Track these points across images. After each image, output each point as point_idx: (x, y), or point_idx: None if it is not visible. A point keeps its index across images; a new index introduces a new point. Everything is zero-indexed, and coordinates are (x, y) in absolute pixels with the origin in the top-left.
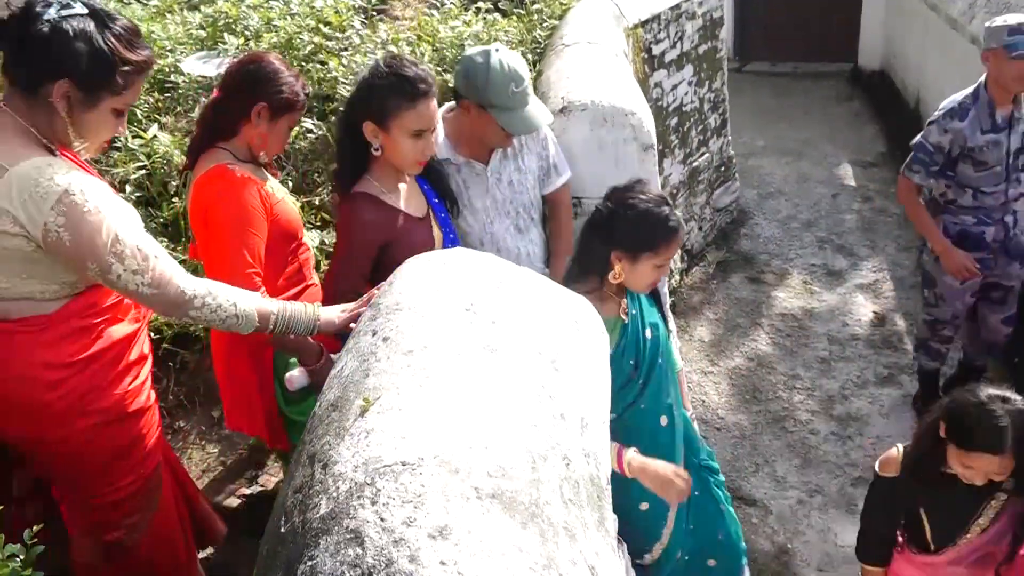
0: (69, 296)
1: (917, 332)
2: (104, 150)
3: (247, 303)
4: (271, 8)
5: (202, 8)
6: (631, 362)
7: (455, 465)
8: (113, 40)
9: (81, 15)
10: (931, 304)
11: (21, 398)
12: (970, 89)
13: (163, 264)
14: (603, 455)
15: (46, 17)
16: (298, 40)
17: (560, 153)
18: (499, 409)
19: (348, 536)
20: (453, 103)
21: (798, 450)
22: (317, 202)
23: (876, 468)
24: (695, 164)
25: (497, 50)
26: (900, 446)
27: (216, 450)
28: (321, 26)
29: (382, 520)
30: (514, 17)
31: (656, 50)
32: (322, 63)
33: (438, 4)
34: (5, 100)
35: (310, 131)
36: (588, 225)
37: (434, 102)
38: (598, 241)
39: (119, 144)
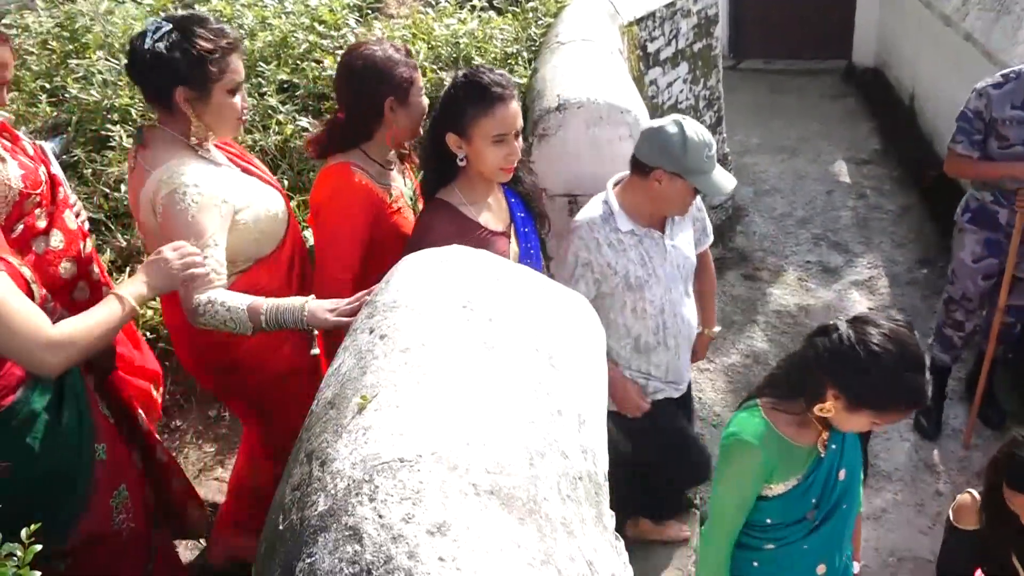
0: (234, 274)
1: (936, 317)
2: (240, 128)
3: (235, 301)
4: (265, 6)
5: (196, 7)
6: (812, 501)
7: (453, 462)
8: (199, 41)
9: (168, 31)
10: (949, 281)
11: (222, 357)
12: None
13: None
14: (600, 451)
15: (145, 47)
16: (293, 39)
17: (706, 213)
18: (497, 406)
19: (347, 533)
20: (622, 175)
21: None
22: None
23: (951, 518)
24: None
25: (684, 120)
26: (974, 493)
27: (212, 449)
28: (316, 24)
29: (380, 517)
30: (509, 15)
31: (651, 48)
32: (317, 61)
33: (433, 2)
34: (160, 121)
35: (305, 130)
36: (815, 349)
37: (514, 104)
38: (818, 368)
39: (113, 143)
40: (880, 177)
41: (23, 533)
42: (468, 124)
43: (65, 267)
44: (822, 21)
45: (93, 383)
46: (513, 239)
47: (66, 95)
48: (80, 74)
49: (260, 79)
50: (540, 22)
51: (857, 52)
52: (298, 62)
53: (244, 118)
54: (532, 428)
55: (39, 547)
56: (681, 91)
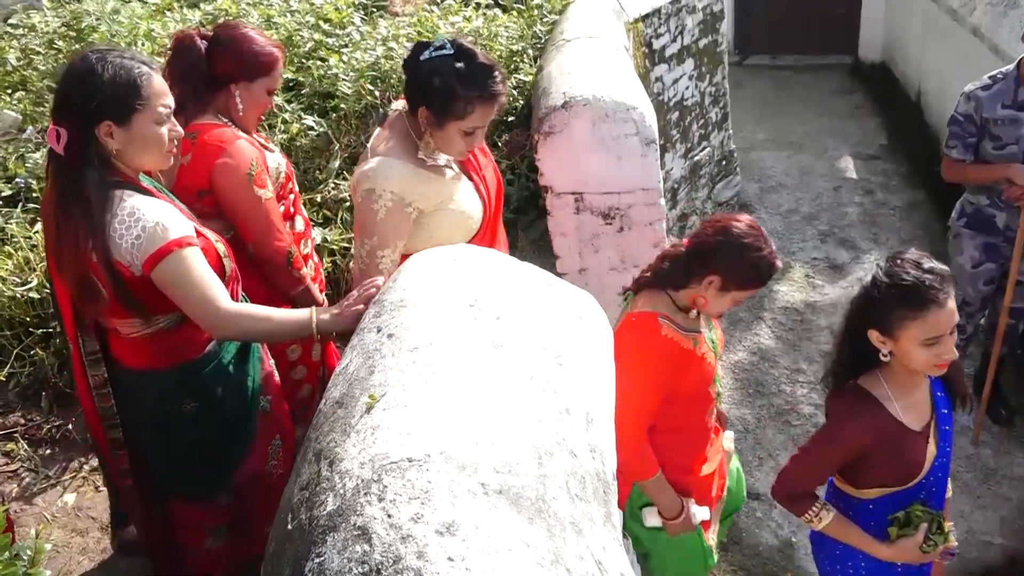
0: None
1: None
2: (464, 156)
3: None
4: (271, 5)
5: (202, 6)
6: None
7: (461, 461)
8: (454, 79)
9: (444, 55)
10: None
11: None
12: (1011, 66)
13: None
14: (608, 450)
15: (422, 57)
16: (298, 37)
17: None
18: (505, 405)
19: (355, 533)
20: None
21: (801, 443)
22: (319, 199)
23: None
24: (696, 158)
25: None
26: None
27: None
28: (321, 23)
29: (389, 517)
30: (514, 12)
31: (656, 44)
32: (322, 60)
33: (438, 0)
34: (406, 112)
35: (311, 128)
36: None
37: (951, 303)
38: None
39: None
40: (887, 173)
41: (32, 532)
42: (895, 326)
43: (304, 242)
44: (828, 16)
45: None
46: (932, 440)
47: None
48: None
49: None
50: (545, 19)
51: (863, 47)
52: (303, 60)
53: (468, 152)
54: (540, 427)
55: (48, 547)
56: (687, 88)
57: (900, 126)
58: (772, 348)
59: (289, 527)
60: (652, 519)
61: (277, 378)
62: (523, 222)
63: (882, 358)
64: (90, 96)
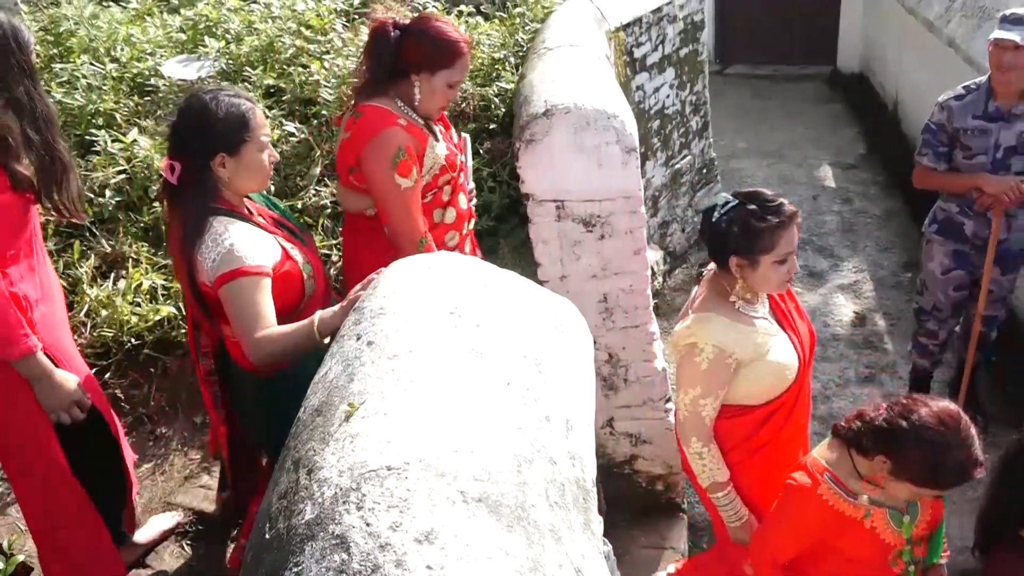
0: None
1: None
2: (779, 286)
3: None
4: (252, 11)
5: (182, 11)
6: None
7: (441, 469)
8: (751, 218)
9: (733, 206)
10: (918, 292)
11: None
12: (984, 77)
13: None
14: (588, 457)
15: (713, 219)
16: (279, 43)
17: None
18: (484, 412)
19: (334, 542)
20: None
21: None
22: (300, 206)
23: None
24: (677, 166)
25: None
26: None
27: (199, 456)
28: (303, 29)
29: (368, 525)
30: (496, 20)
31: (638, 53)
32: (304, 66)
33: (420, 7)
34: (716, 273)
35: (292, 135)
36: None
37: None
38: None
39: (98, 148)
40: (865, 182)
41: (4, 544)
42: None
43: (450, 235)
44: (807, 27)
45: None
46: None
47: (51, 99)
48: (64, 78)
49: (246, 84)
50: (527, 28)
51: (842, 58)
52: (285, 67)
53: (788, 280)
54: (520, 434)
55: (21, 558)
56: (667, 96)
57: (878, 135)
58: None
59: (267, 536)
60: None
61: None
62: (504, 229)
63: None
64: (208, 131)
